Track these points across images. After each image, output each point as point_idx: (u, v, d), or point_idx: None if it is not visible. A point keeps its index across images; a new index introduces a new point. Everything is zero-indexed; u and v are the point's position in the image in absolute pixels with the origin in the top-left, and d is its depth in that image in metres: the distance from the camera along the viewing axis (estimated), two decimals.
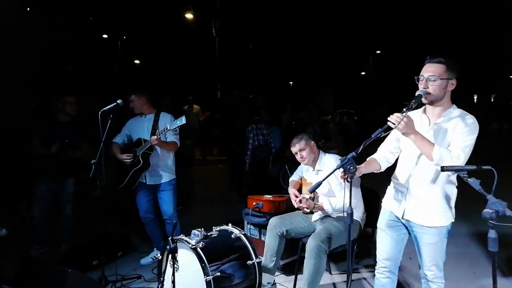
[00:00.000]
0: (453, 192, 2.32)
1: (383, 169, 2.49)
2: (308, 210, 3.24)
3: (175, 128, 3.35)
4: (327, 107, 22.16)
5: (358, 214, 3.15)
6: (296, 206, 3.27)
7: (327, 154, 3.32)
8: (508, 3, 17.81)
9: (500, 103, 22.83)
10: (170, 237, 2.41)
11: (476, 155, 2.23)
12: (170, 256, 2.46)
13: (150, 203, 3.89)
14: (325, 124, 10.96)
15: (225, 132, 8.56)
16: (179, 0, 15.62)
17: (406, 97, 2.33)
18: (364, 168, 2.37)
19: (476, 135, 2.16)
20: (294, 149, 3.28)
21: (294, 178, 3.60)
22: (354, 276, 3.51)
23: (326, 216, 3.20)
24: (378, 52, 27.00)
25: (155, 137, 3.48)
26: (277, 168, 6.15)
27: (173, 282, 2.38)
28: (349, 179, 2.08)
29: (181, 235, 2.81)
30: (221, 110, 10.59)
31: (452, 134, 2.18)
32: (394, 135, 2.42)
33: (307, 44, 23.37)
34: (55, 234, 4.24)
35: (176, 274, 2.56)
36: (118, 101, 3.30)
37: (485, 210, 1.82)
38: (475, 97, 24.31)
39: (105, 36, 20.91)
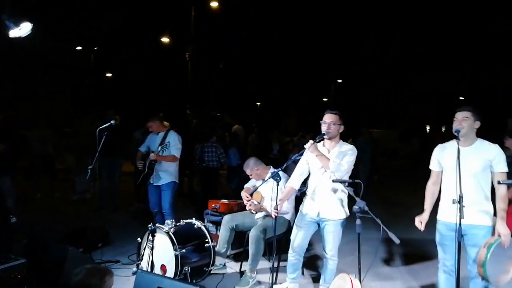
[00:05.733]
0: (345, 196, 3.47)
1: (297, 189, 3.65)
2: (255, 212, 4.29)
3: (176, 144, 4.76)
4: (290, 128, 23.57)
5: (289, 215, 4.24)
6: (247, 208, 4.26)
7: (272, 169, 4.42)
8: None
9: None
10: (151, 223, 3.41)
11: None
12: (150, 235, 3.43)
13: (157, 199, 4.93)
14: (285, 145, 12.10)
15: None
16: (157, 25, 16.75)
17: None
18: (285, 200, 3.65)
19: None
20: (248, 171, 4.40)
21: (247, 185, 4.65)
22: (283, 263, 4.49)
23: (267, 215, 4.28)
24: (340, 81, 29.22)
25: (153, 154, 4.67)
26: (235, 182, 7.24)
27: (152, 253, 3.35)
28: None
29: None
30: (188, 127, 11.51)
31: None
32: (304, 160, 3.51)
33: (274, 66, 25.00)
34: None
35: (153, 251, 3.53)
36: (111, 122, 4.29)
37: (354, 206, 2.99)
38: None
39: (78, 48, 21.51)
